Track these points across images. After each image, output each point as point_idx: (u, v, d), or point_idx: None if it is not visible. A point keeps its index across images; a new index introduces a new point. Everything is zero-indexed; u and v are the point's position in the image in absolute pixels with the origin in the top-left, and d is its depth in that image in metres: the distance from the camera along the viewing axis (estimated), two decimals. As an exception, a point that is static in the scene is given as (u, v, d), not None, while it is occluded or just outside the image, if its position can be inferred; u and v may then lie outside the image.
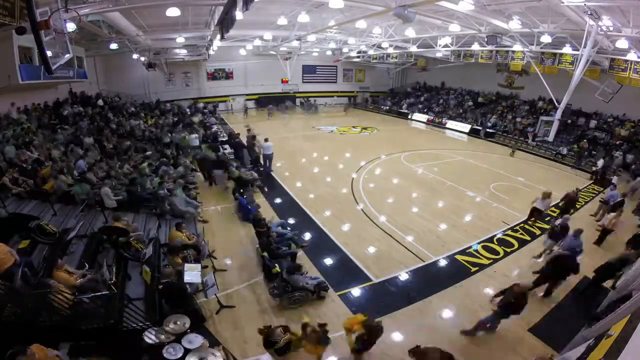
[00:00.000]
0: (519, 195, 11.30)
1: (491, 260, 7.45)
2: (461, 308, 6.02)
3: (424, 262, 7.39)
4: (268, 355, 4.92)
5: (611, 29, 11.81)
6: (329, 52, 27.58)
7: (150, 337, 4.22)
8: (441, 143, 19.73)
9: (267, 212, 9.14)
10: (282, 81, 28.67)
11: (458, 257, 7.59)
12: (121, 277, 5.48)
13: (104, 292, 4.64)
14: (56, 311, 4.12)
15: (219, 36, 14.75)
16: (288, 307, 5.82)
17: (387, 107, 29.98)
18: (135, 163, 11.09)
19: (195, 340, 4.20)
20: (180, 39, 16.96)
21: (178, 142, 14.65)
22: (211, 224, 8.83)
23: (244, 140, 14.04)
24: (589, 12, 10.70)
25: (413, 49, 21.69)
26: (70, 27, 7.70)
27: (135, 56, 20.09)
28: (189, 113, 22.16)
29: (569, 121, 18.44)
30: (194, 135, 14.97)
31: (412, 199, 10.97)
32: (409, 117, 26.79)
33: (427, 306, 6.02)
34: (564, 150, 16.70)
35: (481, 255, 7.67)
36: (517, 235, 8.63)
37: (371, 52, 25.66)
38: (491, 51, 18.27)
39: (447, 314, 5.92)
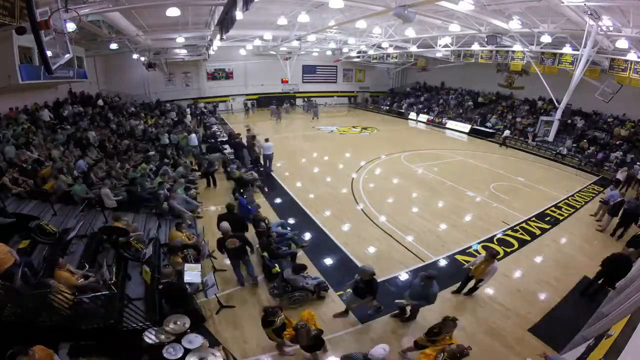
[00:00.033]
0: (519, 195, 11.31)
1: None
2: (461, 308, 6.01)
3: (424, 262, 7.39)
4: (268, 356, 4.93)
5: (611, 29, 11.82)
6: (329, 52, 27.60)
7: (150, 337, 4.22)
8: (441, 143, 19.73)
9: (267, 212, 9.15)
10: (282, 81, 28.70)
11: (458, 257, 7.58)
12: (121, 277, 5.48)
13: (104, 292, 4.64)
14: (56, 311, 4.12)
15: (219, 36, 14.76)
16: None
17: (387, 107, 29.95)
18: (135, 163, 11.10)
19: (195, 340, 4.20)
20: (180, 39, 16.97)
21: (178, 142, 14.66)
22: (211, 224, 8.80)
23: (244, 140, 14.03)
24: (589, 12, 10.71)
25: (413, 49, 21.70)
26: (70, 27, 7.71)
27: (135, 56, 20.10)
28: (189, 113, 22.18)
29: (569, 121, 18.46)
30: (193, 135, 14.95)
31: (412, 199, 10.97)
32: (408, 116, 26.79)
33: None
34: (564, 150, 16.70)
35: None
36: (517, 235, 8.63)
37: (371, 52, 25.67)
38: (491, 51, 18.28)
39: (447, 314, 5.89)
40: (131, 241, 6.36)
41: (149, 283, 5.32)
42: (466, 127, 22.22)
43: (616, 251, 6.60)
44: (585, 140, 16.79)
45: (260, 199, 10.33)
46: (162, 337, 4.23)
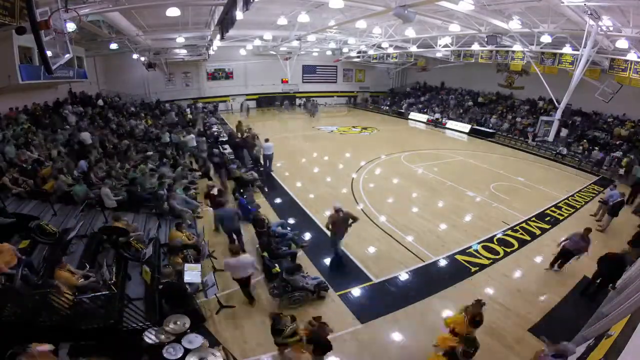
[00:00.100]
0: (519, 195, 11.31)
1: (491, 261, 7.45)
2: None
3: (424, 262, 7.39)
4: (268, 356, 4.93)
5: (611, 29, 11.82)
6: (329, 52, 27.59)
7: (150, 337, 4.22)
8: (441, 143, 19.74)
9: (267, 212, 9.15)
10: (282, 81, 28.68)
11: (458, 257, 7.59)
12: (121, 277, 5.48)
13: (104, 292, 4.64)
14: (56, 311, 4.12)
15: (219, 36, 14.77)
16: (288, 307, 5.82)
17: (386, 107, 29.94)
18: (135, 163, 11.10)
19: (195, 340, 4.20)
20: (180, 39, 16.98)
21: (178, 142, 14.65)
22: (211, 224, 8.82)
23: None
24: (589, 12, 10.71)
25: (413, 49, 21.70)
26: (70, 27, 7.70)
27: (135, 56, 20.11)
28: (188, 113, 22.17)
29: (569, 121, 18.46)
30: (190, 136, 14.88)
31: (412, 199, 10.97)
32: (408, 116, 26.80)
33: (427, 306, 6.02)
34: (564, 151, 16.69)
35: (481, 255, 7.67)
36: (517, 235, 8.63)
37: (371, 52, 25.66)
38: (491, 51, 18.28)
39: (447, 314, 5.91)
40: (131, 241, 6.36)
41: (149, 283, 5.32)
42: (466, 127, 22.21)
43: (617, 251, 6.60)
44: (585, 140, 16.78)
45: (260, 199, 10.33)
46: (162, 337, 4.23)
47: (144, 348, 4.22)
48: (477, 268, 7.16)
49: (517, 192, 11.61)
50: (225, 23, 12.21)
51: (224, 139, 16.05)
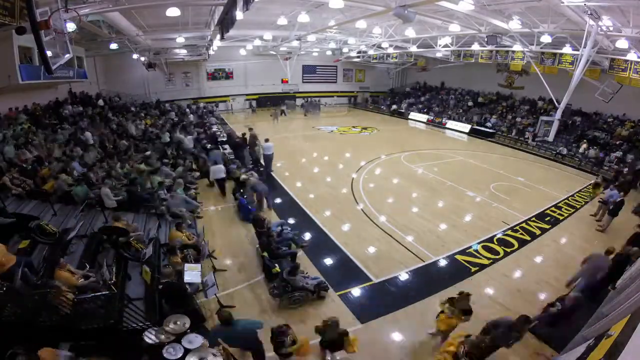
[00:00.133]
0: (519, 195, 11.31)
1: (491, 261, 7.45)
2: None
3: (424, 262, 7.39)
4: (268, 356, 4.92)
5: (611, 29, 11.82)
6: (329, 52, 27.59)
7: (150, 337, 4.21)
8: (441, 143, 19.74)
9: (267, 212, 9.15)
10: (282, 81, 28.68)
11: (458, 257, 7.59)
12: (121, 277, 5.47)
13: (104, 292, 4.64)
14: (56, 311, 4.12)
15: (219, 36, 14.76)
16: (288, 307, 5.82)
17: (386, 107, 29.94)
18: (135, 163, 11.09)
19: (195, 340, 4.19)
20: (180, 39, 16.97)
21: (182, 142, 14.62)
22: (211, 224, 8.83)
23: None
24: (589, 12, 10.71)
25: (413, 49, 21.70)
26: (70, 27, 7.70)
27: (135, 56, 20.11)
28: (189, 113, 22.17)
29: (569, 121, 18.46)
30: (189, 137, 14.84)
31: (412, 199, 10.97)
32: (408, 116, 26.81)
33: (427, 306, 6.02)
34: (564, 151, 16.69)
35: (481, 255, 7.67)
36: (517, 235, 8.63)
37: (371, 52, 25.66)
38: (491, 51, 18.29)
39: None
40: (131, 241, 6.36)
41: (149, 283, 5.32)
42: (466, 127, 22.22)
43: (617, 250, 6.60)
44: (585, 141, 16.78)
45: (260, 199, 10.31)
46: (162, 337, 4.22)
47: (144, 348, 4.22)
48: (477, 268, 7.16)
49: (517, 192, 11.61)
50: (225, 23, 12.21)
51: (224, 139, 16.05)
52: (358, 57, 28.35)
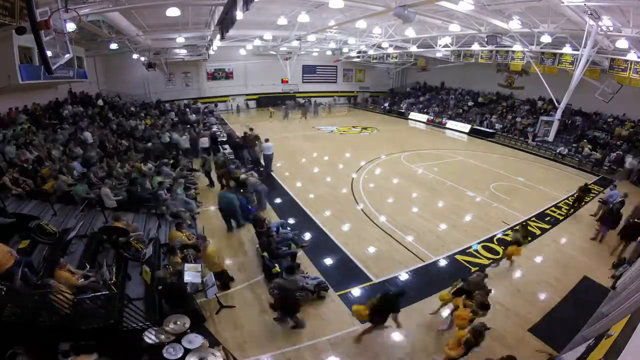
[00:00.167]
0: (519, 195, 11.31)
1: (491, 260, 7.45)
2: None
3: (424, 262, 7.39)
4: (268, 356, 4.93)
5: (611, 29, 11.81)
6: (329, 52, 27.58)
7: (150, 337, 4.22)
8: (441, 143, 19.74)
9: (267, 212, 9.15)
10: (282, 81, 28.68)
11: (458, 257, 7.59)
12: (121, 277, 5.48)
13: (104, 292, 4.64)
14: (56, 311, 4.12)
15: (219, 36, 14.76)
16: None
17: (386, 106, 29.92)
18: (134, 163, 11.10)
19: (195, 340, 4.20)
20: (180, 39, 16.98)
21: (178, 142, 14.64)
22: (211, 224, 8.82)
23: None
24: (589, 12, 10.70)
25: (413, 49, 21.70)
26: (70, 27, 7.70)
27: (135, 56, 20.11)
28: (189, 113, 22.17)
29: (569, 121, 18.46)
30: (184, 137, 14.82)
31: (412, 199, 10.97)
32: (408, 116, 26.82)
33: (427, 306, 6.02)
34: (565, 151, 16.69)
35: (481, 255, 7.67)
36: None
37: (371, 52, 25.66)
38: (491, 51, 18.28)
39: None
40: (131, 241, 6.37)
41: (149, 283, 5.32)
42: (466, 127, 22.22)
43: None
44: (585, 140, 16.78)
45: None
46: (162, 337, 4.23)
47: (144, 348, 4.22)
48: (477, 268, 7.14)
49: (517, 192, 11.61)
50: (225, 23, 12.21)
51: (224, 139, 16.04)
52: (358, 57, 28.34)
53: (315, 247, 7.78)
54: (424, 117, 25.63)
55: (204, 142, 14.45)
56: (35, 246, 5.73)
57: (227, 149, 14.38)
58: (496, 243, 8.19)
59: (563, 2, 10.44)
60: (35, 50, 10.92)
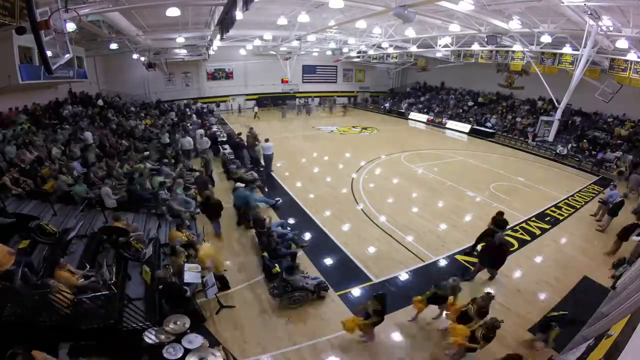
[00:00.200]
0: (519, 196, 11.30)
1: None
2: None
3: (424, 262, 7.39)
4: (268, 356, 4.93)
5: (611, 29, 11.82)
6: (329, 52, 27.59)
7: (150, 337, 4.22)
8: (441, 143, 19.74)
9: (267, 212, 9.14)
10: (282, 81, 28.69)
11: (458, 257, 7.58)
12: (121, 277, 5.48)
13: (104, 292, 4.64)
14: (56, 311, 4.12)
15: (219, 36, 14.76)
16: (288, 307, 5.82)
17: (386, 106, 29.93)
18: (134, 163, 11.09)
19: (195, 340, 4.20)
20: (180, 39, 16.98)
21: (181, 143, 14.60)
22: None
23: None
24: (589, 12, 10.71)
25: (413, 49, 21.71)
26: (70, 27, 7.71)
27: (135, 56, 20.11)
28: (189, 113, 22.17)
29: (569, 121, 18.47)
30: (188, 138, 14.77)
31: (412, 199, 10.97)
32: (408, 116, 26.82)
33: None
34: (564, 151, 16.69)
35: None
36: (517, 235, 8.61)
37: (371, 52, 25.68)
38: (491, 51, 18.30)
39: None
40: (131, 241, 6.36)
41: (149, 283, 5.32)
42: (466, 127, 22.22)
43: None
44: (585, 140, 16.79)
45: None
46: (162, 337, 4.23)
47: (144, 348, 4.22)
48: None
49: (517, 192, 11.61)
50: (225, 23, 12.21)
51: (224, 139, 16.03)
52: (358, 57, 28.35)
53: (315, 247, 7.78)
54: (424, 117, 25.65)
55: (202, 142, 14.44)
56: (35, 246, 5.72)
57: (227, 149, 14.35)
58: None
59: (563, 2, 10.45)
60: (35, 50, 10.92)
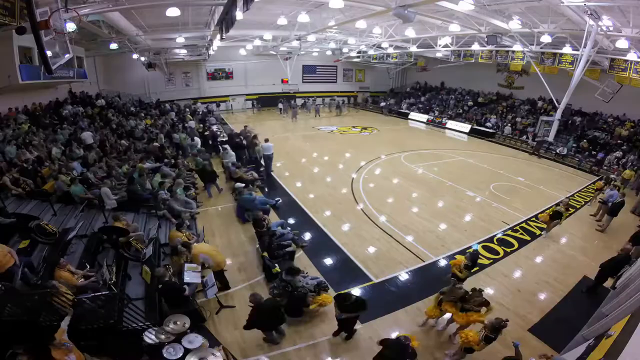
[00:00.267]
0: (519, 195, 11.31)
1: (491, 260, 7.45)
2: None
3: (424, 262, 7.39)
4: (268, 356, 4.93)
5: (611, 29, 11.81)
6: (329, 52, 27.56)
7: (150, 337, 4.22)
8: (441, 143, 19.73)
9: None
10: (282, 81, 28.68)
11: (458, 257, 7.56)
12: (121, 277, 5.48)
13: (104, 292, 4.64)
14: (56, 311, 4.12)
15: (219, 36, 14.73)
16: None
17: (385, 105, 29.90)
18: (134, 163, 11.09)
19: (195, 340, 4.20)
20: (180, 39, 16.96)
21: (178, 142, 14.63)
22: (211, 224, 8.83)
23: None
24: (589, 12, 10.70)
25: (413, 49, 21.70)
26: (70, 27, 7.70)
27: (135, 56, 20.09)
28: (189, 113, 22.14)
29: (569, 121, 18.47)
30: (197, 139, 14.77)
31: (412, 199, 10.97)
32: (408, 116, 26.83)
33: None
34: (564, 151, 16.69)
35: (481, 255, 7.65)
36: (517, 235, 8.63)
37: (371, 52, 25.66)
38: (491, 51, 18.27)
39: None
40: (131, 241, 6.37)
41: (149, 283, 5.32)
42: (466, 127, 22.23)
43: (617, 249, 6.61)
44: (585, 140, 16.78)
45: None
46: (162, 337, 4.23)
47: (144, 348, 4.22)
48: (477, 268, 7.14)
49: (517, 192, 11.61)
50: (225, 23, 12.19)
51: (224, 139, 16.02)
52: (358, 57, 28.32)
53: (315, 247, 7.78)
54: (424, 117, 25.65)
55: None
56: (35, 246, 5.73)
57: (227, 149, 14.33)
58: (496, 243, 8.20)
59: (563, 2, 10.43)
60: (35, 50, 10.91)
